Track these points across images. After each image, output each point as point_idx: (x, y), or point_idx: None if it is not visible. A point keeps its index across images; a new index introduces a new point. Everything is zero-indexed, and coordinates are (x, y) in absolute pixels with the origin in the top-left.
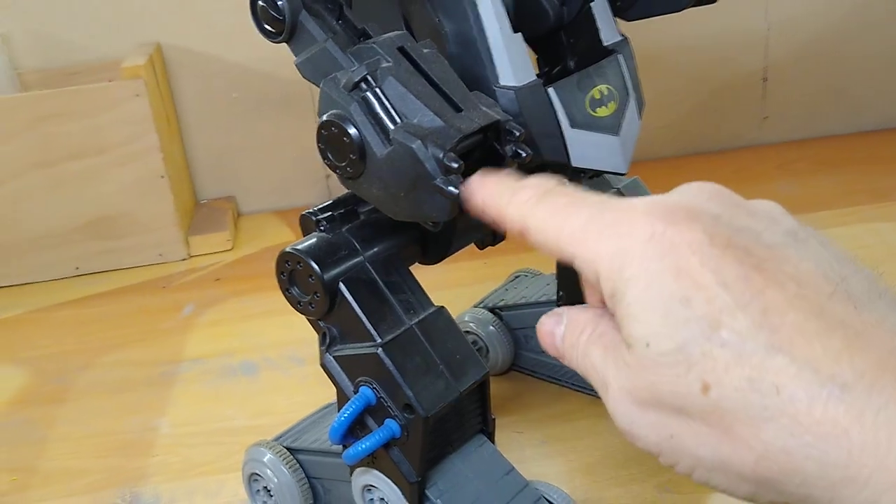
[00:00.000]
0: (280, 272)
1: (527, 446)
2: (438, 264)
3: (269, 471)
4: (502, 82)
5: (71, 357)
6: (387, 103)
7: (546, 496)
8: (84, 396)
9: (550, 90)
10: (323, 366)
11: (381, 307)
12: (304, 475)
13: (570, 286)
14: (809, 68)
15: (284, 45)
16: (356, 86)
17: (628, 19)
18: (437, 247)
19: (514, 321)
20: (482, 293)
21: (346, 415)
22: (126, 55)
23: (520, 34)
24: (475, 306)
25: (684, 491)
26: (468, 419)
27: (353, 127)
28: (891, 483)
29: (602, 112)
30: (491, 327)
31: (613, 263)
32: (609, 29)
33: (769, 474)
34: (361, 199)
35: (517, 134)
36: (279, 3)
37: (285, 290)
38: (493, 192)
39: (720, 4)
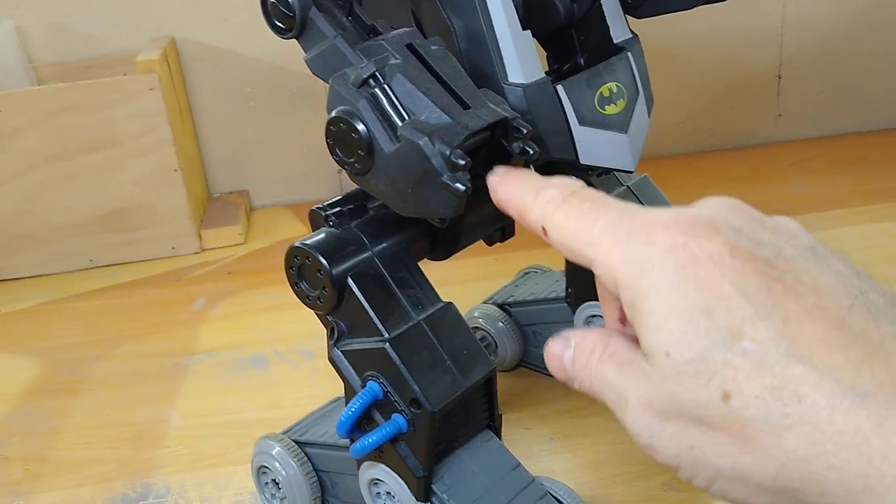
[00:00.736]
0: (289, 267)
1: (534, 443)
2: (447, 260)
3: (277, 464)
4: (511, 79)
5: (84, 348)
6: (395, 100)
7: (552, 492)
8: (97, 387)
9: (559, 87)
10: (331, 360)
11: (388, 302)
12: (312, 468)
13: (579, 283)
14: (824, 66)
15: (296, 40)
16: (364, 82)
17: (639, 17)
18: (445, 242)
19: (524, 318)
20: (491, 289)
21: (353, 409)
22: (140, 49)
23: (529, 31)
24: (484, 302)
25: (689, 489)
26: (475, 414)
27: (361, 123)
28: None
29: (611, 110)
30: (500, 323)
31: (633, 272)
32: (619, 26)
33: (790, 484)
34: (370, 195)
35: (525, 131)
36: None
37: (294, 285)
38: (518, 189)
39: (734, 1)
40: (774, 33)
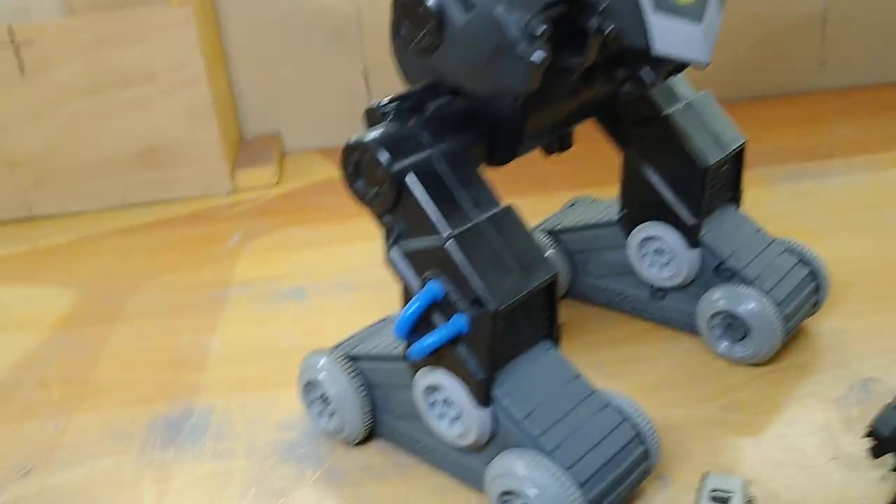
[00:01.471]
0: (345, 165)
1: (584, 369)
2: None
3: (326, 378)
4: None
5: (120, 280)
6: None
7: (613, 404)
8: (134, 317)
9: None
10: (388, 261)
11: (448, 201)
12: (362, 382)
13: (634, 204)
14: (870, 10)
15: None
16: None
17: None
18: (504, 146)
19: (573, 244)
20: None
21: (412, 308)
22: None
23: None
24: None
25: (749, 411)
26: (536, 322)
27: None
28: None
29: (685, 0)
30: (549, 250)
31: None
32: None
33: None
34: (429, 93)
35: (600, 8)
36: None
37: (350, 184)
38: None
39: None
40: None
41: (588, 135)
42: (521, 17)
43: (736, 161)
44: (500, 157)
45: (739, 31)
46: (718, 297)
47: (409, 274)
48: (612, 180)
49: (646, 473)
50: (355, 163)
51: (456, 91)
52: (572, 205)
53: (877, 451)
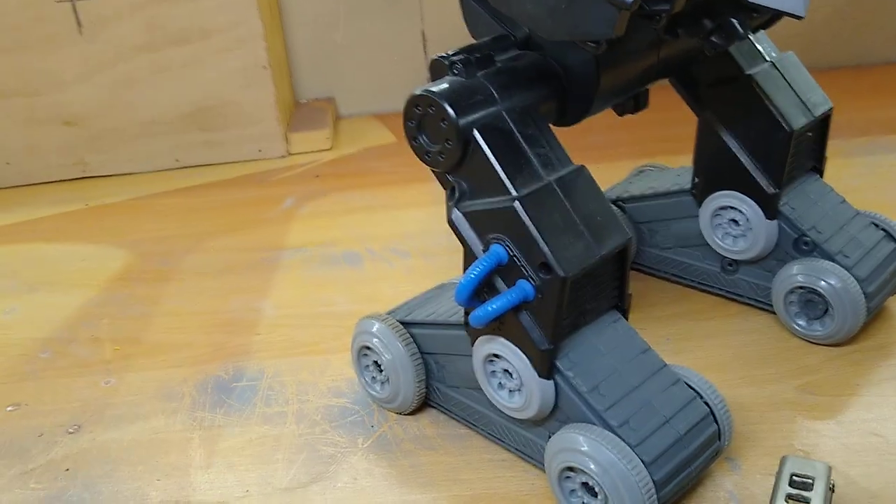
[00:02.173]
0: (408, 119)
1: (651, 343)
2: None
3: (380, 344)
4: None
5: (173, 241)
6: None
7: (685, 379)
8: (187, 278)
9: None
10: (450, 222)
11: (517, 159)
12: (417, 349)
13: (709, 172)
14: None
15: None
16: None
17: None
18: (576, 105)
19: (639, 214)
20: None
21: (475, 272)
22: None
23: None
24: None
25: (827, 394)
26: (604, 290)
27: None
28: None
29: None
30: None
31: None
32: None
33: None
34: (497, 47)
35: None
36: None
37: (412, 139)
38: None
39: None
40: None
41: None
42: None
43: (821, 127)
44: (571, 116)
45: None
46: (797, 272)
47: (473, 236)
48: (678, 150)
49: (716, 455)
50: (419, 117)
51: (526, 44)
52: (639, 172)
53: None
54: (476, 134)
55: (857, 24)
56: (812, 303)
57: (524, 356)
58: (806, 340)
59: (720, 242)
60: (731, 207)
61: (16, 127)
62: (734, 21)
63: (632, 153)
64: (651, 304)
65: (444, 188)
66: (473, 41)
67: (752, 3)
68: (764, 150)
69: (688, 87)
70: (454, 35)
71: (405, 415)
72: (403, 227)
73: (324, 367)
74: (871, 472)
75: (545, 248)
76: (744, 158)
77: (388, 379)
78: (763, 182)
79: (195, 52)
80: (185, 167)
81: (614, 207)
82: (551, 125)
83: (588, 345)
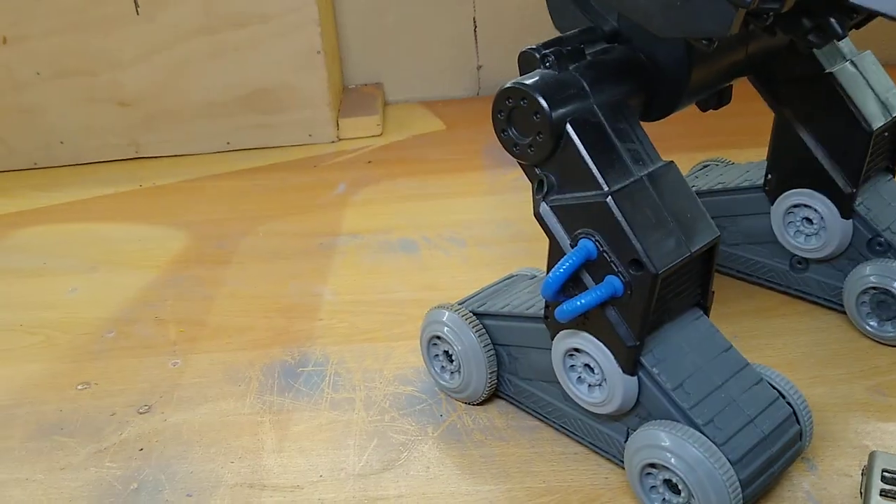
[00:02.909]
0: (498, 110)
1: None
2: None
3: (452, 334)
4: None
5: (229, 224)
6: None
7: (768, 378)
8: (245, 261)
9: None
10: (537, 215)
11: (608, 154)
12: (489, 340)
13: (783, 169)
14: None
15: None
16: None
17: None
18: (665, 99)
19: (707, 209)
20: None
21: (563, 267)
22: None
23: None
24: None
25: None
26: (690, 288)
27: None
28: None
29: None
30: None
31: None
32: None
33: None
34: (586, 38)
35: None
36: None
37: (501, 132)
38: None
39: None
40: None
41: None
42: None
43: None
44: (659, 110)
45: None
46: (870, 272)
47: (560, 230)
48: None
49: (797, 455)
50: (510, 109)
51: (613, 38)
52: (703, 167)
53: None
54: (569, 128)
55: None
56: (885, 304)
57: (609, 352)
58: (876, 341)
59: (792, 240)
60: (806, 205)
61: (72, 107)
62: (832, 21)
63: (685, 146)
64: (719, 300)
65: (531, 181)
66: (522, 33)
67: (852, 4)
68: (842, 149)
69: (767, 83)
70: (505, 22)
71: (474, 405)
72: (457, 215)
73: (387, 355)
74: None
75: (637, 245)
76: (821, 157)
77: (458, 369)
78: (840, 181)
79: (251, 36)
80: (237, 150)
81: None
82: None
83: (672, 342)
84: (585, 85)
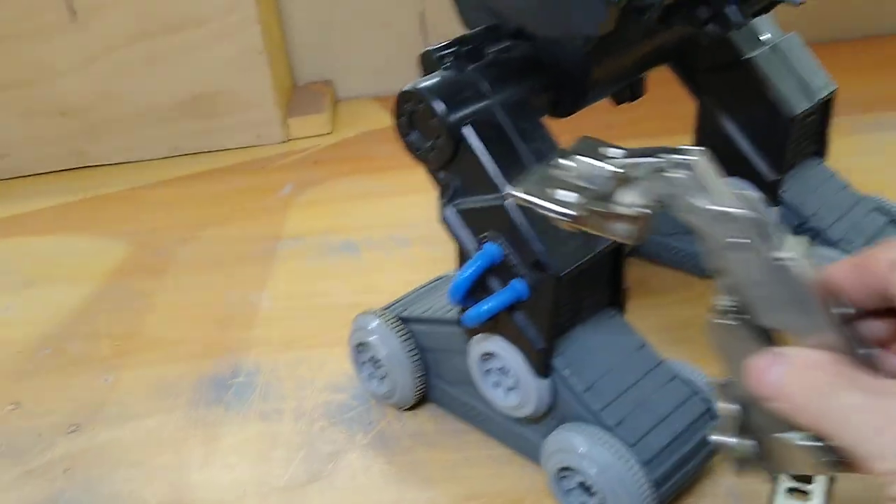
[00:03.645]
0: (398, 114)
1: (649, 332)
2: None
3: (377, 340)
4: None
5: (169, 232)
6: None
7: (681, 376)
8: (184, 270)
9: None
10: (443, 220)
11: (510, 155)
12: (414, 345)
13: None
14: None
15: None
16: None
17: None
18: (570, 96)
19: None
20: None
21: (468, 272)
22: None
23: None
24: None
25: None
26: (599, 288)
27: None
28: None
29: None
30: None
31: None
32: None
33: None
34: (488, 38)
35: None
36: None
37: (403, 136)
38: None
39: None
40: None
41: (652, 79)
42: None
43: (823, 111)
44: (565, 107)
45: None
46: None
47: (465, 234)
48: (677, 129)
49: (715, 451)
50: (409, 113)
51: (518, 35)
52: None
53: None
54: (466, 130)
55: None
56: None
57: (519, 355)
58: None
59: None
60: None
61: (11, 119)
62: (729, 10)
63: (628, 134)
64: (650, 291)
65: (437, 186)
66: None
67: None
68: (763, 136)
69: (685, 73)
70: (453, 15)
71: (404, 410)
72: (403, 214)
73: (322, 362)
74: None
75: (538, 248)
76: (743, 144)
77: (386, 375)
78: (763, 168)
79: (189, 40)
80: (184, 155)
81: None
82: (545, 117)
83: (584, 343)
84: (484, 85)
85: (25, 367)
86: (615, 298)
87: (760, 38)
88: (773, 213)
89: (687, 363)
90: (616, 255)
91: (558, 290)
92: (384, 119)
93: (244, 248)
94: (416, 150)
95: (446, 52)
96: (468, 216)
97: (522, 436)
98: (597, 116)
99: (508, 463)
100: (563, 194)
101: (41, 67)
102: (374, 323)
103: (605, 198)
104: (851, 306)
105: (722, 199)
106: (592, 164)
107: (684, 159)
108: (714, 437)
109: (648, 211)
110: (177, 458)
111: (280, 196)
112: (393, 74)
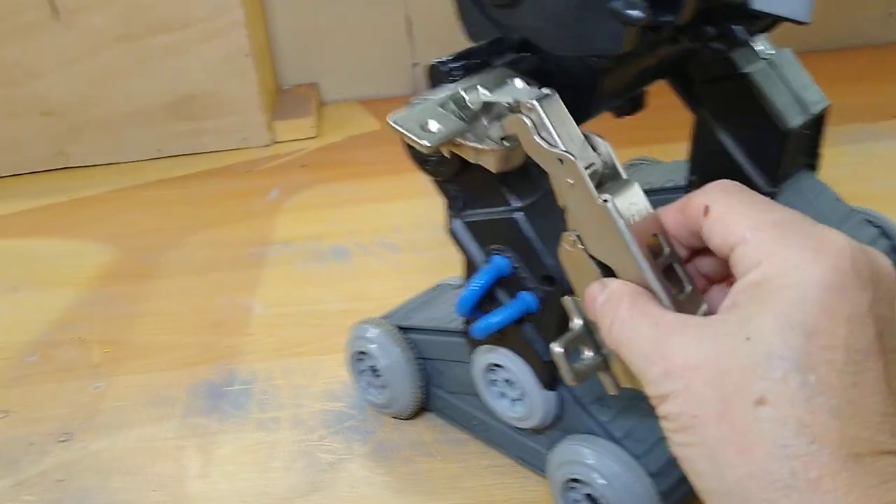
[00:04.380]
0: None
1: None
2: None
3: (377, 349)
4: None
5: (156, 236)
6: None
7: None
8: (172, 275)
9: None
10: (450, 232)
11: (518, 168)
12: (415, 355)
13: (704, 169)
14: None
15: None
16: None
17: None
18: (575, 109)
19: None
20: None
21: (476, 285)
22: None
23: None
24: None
25: None
26: None
27: None
28: None
29: None
30: None
31: (793, 262)
32: None
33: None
34: (494, 50)
35: None
36: None
37: (410, 149)
38: None
39: None
40: None
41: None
42: None
43: (817, 125)
44: None
45: None
46: None
47: (473, 247)
48: (670, 138)
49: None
50: None
51: (523, 48)
52: (632, 165)
53: None
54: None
55: (845, 6)
56: None
57: (527, 367)
58: None
59: None
60: None
61: None
62: (736, 28)
63: (622, 141)
64: None
65: (444, 197)
66: (458, 29)
67: (755, 10)
68: (759, 148)
69: (683, 85)
70: (439, 19)
71: (402, 419)
72: (392, 219)
73: (317, 369)
74: None
75: (548, 261)
76: (739, 157)
77: (385, 384)
78: (758, 180)
79: (175, 42)
80: (168, 157)
81: None
82: None
83: None
84: None
85: (13, 374)
86: None
87: (756, 52)
88: (614, 159)
89: None
90: None
91: None
92: (370, 123)
93: (233, 252)
94: (423, 163)
95: (454, 65)
96: (476, 228)
97: (525, 446)
98: (591, 125)
99: (509, 473)
100: (432, 124)
101: (23, 67)
102: (375, 332)
103: (471, 132)
104: (682, 246)
105: (560, 141)
106: (466, 98)
107: (534, 100)
108: (555, 347)
109: (505, 146)
110: (174, 468)
111: (267, 200)
112: (378, 78)
